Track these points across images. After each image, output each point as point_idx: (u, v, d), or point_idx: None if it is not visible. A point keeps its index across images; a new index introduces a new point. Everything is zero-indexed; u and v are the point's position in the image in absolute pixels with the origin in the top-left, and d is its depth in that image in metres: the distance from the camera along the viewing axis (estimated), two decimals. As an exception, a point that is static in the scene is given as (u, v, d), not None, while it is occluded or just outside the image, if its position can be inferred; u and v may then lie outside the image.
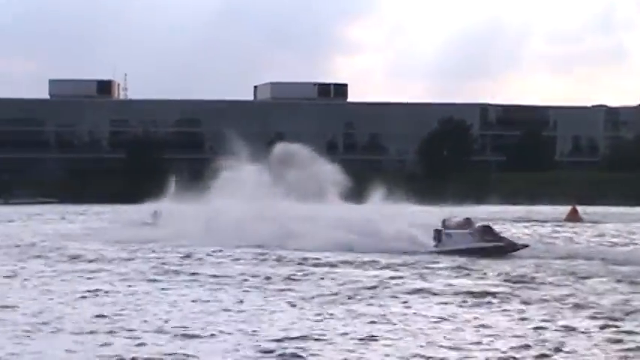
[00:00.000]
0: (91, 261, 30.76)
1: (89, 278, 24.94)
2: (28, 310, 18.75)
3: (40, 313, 18.33)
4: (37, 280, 24.35)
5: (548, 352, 14.94)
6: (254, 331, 16.22)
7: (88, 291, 21.92)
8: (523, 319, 17.84)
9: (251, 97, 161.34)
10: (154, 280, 23.93)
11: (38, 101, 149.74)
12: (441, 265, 28.80)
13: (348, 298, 20.03)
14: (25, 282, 23.65)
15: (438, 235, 34.79)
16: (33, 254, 33.12)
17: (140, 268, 27.32)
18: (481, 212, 71.05)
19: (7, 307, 19.30)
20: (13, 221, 62.75)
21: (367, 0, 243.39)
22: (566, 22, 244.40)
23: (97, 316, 17.89)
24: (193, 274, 25.72)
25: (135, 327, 16.35)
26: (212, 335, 15.67)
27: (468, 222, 35.05)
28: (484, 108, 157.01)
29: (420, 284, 23.35)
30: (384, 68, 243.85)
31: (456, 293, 22.03)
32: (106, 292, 21.80)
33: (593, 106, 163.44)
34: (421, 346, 15.01)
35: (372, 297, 20.56)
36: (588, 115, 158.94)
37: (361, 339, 15.67)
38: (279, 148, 58.86)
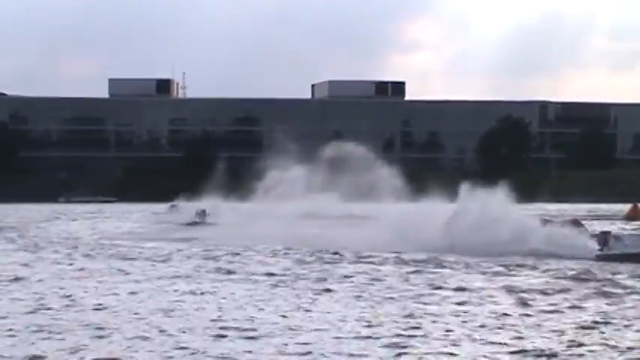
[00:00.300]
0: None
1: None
2: (136, 310, 17.63)
3: (164, 314, 16.68)
4: (120, 281, 23.55)
5: None
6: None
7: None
8: None
9: (309, 96, 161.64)
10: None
11: (98, 100, 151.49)
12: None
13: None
14: (101, 282, 23.02)
15: (603, 237, 30.10)
16: (99, 252, 33.13)
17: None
18: (539, 210, 70.43)
19: (99, 307, 18.43)
20: (76, 220, 63.16)
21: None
22: (627, 18, 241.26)
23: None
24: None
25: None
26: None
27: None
28: (543, 105, 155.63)
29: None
30: (442, 66, 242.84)
31: None
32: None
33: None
34: None
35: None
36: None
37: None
38: (333, 148, 58.36)
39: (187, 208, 60.87)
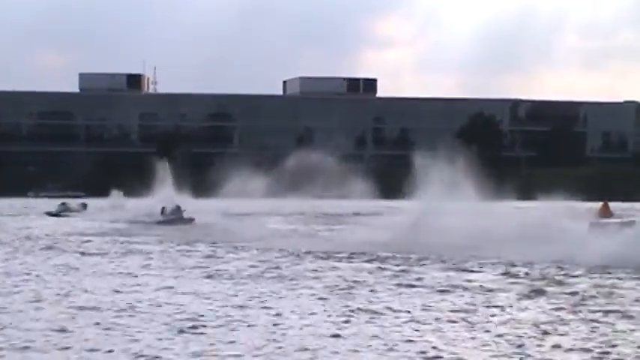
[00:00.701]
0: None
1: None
2: (188, 311, 17.38)
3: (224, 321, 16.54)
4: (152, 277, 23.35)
5: None
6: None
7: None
8: None
9: (280, 92, 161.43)
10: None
11: (68, 95, 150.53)
12: None
13: None
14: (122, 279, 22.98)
15: None
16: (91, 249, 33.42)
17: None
18: (510, 207, 70.59)
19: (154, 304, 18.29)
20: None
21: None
22: (598, 16, 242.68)
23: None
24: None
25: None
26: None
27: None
28: (514, 103, 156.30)
29: None
30: (414, 63, 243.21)
31: None
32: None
33: (625, 102, 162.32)
34: None
35: None
36: (619, 111, 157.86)
37: None
38: (296, 158, 60.70)
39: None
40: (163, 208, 52.17)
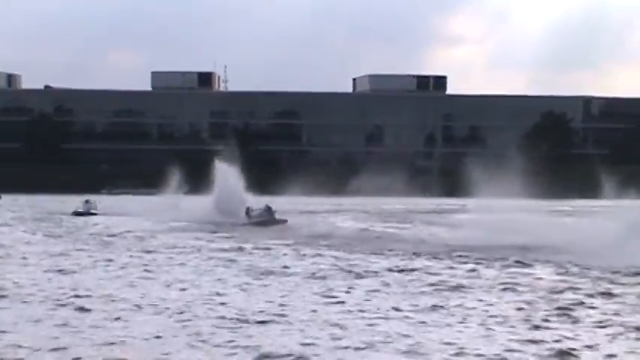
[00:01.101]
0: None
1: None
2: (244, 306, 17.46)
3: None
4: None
5: None
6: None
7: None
8: None
9: (350, 90, 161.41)
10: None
11: (140, 93, 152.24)
12: None
13: None
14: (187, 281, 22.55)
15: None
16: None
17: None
18: (583, 206, 69.87)
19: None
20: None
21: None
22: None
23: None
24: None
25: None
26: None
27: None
28: (587, 101, 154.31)
29: None
30: (484, 60, 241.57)
31: None
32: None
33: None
34: None
35: None
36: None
37: None
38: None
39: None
40: (248, 208, 48.55)
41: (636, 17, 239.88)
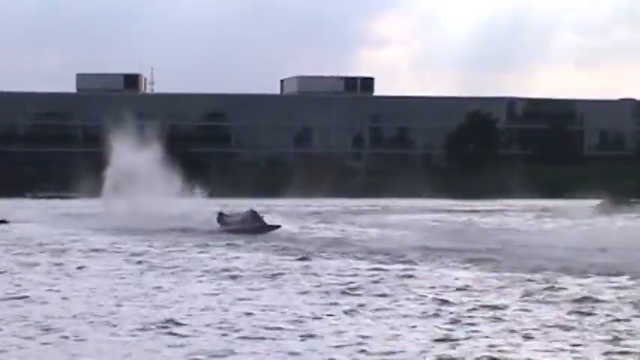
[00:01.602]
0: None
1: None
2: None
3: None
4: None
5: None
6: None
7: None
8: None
9: (278, 91, 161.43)
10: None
11: (65, 95, 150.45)
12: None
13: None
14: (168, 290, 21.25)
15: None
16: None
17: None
18: (510, 205, 70.80)
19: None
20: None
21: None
22: (593, 15, 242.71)
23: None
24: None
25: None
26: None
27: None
28: (511, 101, 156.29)
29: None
30: (410, 61, 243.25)
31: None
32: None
33: (621, 100, 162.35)
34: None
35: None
36: (615, 109, 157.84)
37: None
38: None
39: None
40: (221, 214, 42.63)
41: (558, 19, 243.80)
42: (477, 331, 15.32)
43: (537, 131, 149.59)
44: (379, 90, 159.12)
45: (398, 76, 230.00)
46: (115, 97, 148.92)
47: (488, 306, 17.88)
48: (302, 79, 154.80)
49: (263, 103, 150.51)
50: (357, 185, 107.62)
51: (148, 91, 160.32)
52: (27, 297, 19.51)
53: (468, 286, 21.15)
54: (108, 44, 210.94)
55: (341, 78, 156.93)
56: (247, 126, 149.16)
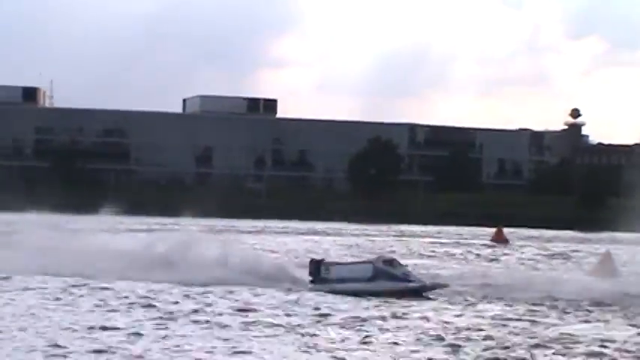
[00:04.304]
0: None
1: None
2: None
3: None
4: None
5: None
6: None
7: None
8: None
9: (180, 110, 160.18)
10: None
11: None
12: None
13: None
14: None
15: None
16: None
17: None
18: (409, 232, 71.33)
19: None
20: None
21: (292, 15, 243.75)
22: (492, 46, 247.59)
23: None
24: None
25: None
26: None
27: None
28: (412, 128, 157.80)
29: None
30: (314, 84, 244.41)
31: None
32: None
33: (519, 130, 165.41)
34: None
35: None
36: (514, 139, 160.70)
37: None
38: None
39: None
40: (318, 262, 28.57)
41: (459, 49, 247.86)
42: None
43: (437, 158, 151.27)
44: (282, 112, 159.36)
45: (301, 98, 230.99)
46: (13, 110, 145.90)
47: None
48: (204, 99, 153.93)
49: (165, 121, 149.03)
50: (256, 207, 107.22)
51: (47, 105, 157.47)
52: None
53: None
54: (6, 56, 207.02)
55: (244, 99, 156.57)
56: (148, 143, 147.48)
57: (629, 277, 32.93)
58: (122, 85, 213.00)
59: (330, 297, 25.21)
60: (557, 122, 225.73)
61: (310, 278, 27.62)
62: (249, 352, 16.47)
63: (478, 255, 47.90)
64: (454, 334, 19.01)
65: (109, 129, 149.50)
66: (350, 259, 35.54)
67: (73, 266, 29.67)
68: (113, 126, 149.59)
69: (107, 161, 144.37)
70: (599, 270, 34.10)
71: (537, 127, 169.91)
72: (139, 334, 17.95)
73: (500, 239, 60.96)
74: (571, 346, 17.74)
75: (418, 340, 18.29)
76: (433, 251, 50.36)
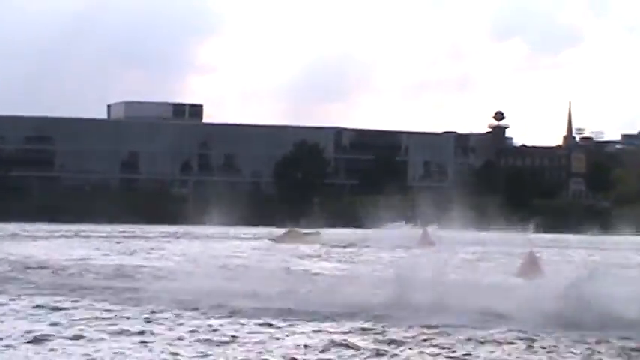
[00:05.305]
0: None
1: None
2: None
3: None
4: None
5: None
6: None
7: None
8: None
9: (105, 116, 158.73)
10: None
11: None
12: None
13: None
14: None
15: None
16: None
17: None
18: (328, 235, 71.59)
19: None
20: None
21: (216, 19, 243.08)
22: (417, 49, 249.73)
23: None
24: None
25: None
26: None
27: None
28: (338, 132, 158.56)
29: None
30: (239, 89, 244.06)
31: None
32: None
33: (444, 133, 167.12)
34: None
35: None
36: (439, 141, 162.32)
37: None
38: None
39: None
40: None
41: (384, 52, 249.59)
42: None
43: (363, 161, 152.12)
44: (208, 117, 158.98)
45: (227, 103, 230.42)
46: None
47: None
48: (129, 105, 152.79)
49: (89, 127, 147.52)
50: (181, 212, 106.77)
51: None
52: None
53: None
54: None
55: (169, 104, 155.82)
56: (72, 150, 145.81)
57: (554, 276, 33.35)
58: (44, 91, 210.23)
59: None
60: (481, 125, 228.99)
61: None
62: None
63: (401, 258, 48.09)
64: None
65: (32, 136, 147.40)
66: None
67: None
68: (36, 133, 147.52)
69: (30, 168, 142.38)
70: (524, 271, 34.58)
71: (462, 129, 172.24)
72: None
73: (425, 242, 61.43)
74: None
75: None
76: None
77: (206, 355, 15.54)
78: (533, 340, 17.45)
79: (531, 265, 35.28)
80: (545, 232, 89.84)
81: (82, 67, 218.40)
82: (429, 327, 18.67)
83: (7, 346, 16.12)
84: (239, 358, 15.41)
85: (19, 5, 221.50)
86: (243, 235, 75.53)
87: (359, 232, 79.15)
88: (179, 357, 15.38)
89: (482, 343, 17.19)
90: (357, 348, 16.38)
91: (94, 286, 26.85)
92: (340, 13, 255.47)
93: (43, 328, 18.15)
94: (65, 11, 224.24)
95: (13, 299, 23.19)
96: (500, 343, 17.15)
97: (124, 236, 69.56)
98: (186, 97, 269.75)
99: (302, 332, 18.14)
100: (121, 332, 17.71)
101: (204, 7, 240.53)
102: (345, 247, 59.61)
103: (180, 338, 17.09)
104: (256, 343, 16.81)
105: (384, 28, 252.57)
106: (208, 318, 19.94)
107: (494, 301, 20.57)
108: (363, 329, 18.56)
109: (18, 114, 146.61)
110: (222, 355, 15.55)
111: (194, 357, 15.41)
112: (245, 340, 17.03)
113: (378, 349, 16.33)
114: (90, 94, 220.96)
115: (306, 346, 16.49)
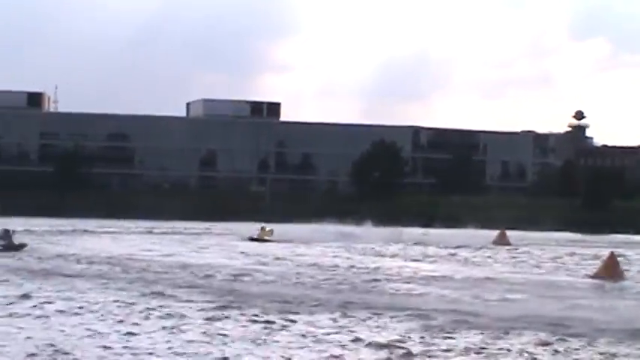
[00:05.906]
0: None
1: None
2: None
3: None
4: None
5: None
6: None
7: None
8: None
9: (184, 114, 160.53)
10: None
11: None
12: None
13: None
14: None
15: None
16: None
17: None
18: (410, 234, 71.38)
19: None
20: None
21: (294, 18, 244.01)
22: (496, 48, 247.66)
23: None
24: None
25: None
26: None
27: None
28: (416, 131, 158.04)
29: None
30: (316, 87, 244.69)
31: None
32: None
33: (522, 132, 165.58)
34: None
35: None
36: (517, 141, 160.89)
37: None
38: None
39: None
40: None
41: (462, 51, 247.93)
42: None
43: (441, 161, 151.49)
44: (285, 115, 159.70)
45: (304, 101, 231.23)
46: (18, 115, 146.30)
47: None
48: (208, 103, 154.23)
49: (168, 125, 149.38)
50: (260, 210, 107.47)
51: (52, 109, 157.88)
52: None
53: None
54: (11, 61, 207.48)
55: (247, 102, 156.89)
56: (151, 148, 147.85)
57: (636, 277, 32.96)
58: (125, 90, 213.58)
59: None
60: (561, 124, 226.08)
61: None
62: None
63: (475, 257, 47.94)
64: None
65: (113, 133, 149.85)
66: None
67: None
68: (117, 130, 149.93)
69: (111, 166, 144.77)
70: (604, 272, 34.19)
71: (541, 129, 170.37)
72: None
73: (503, 241, 61.08)
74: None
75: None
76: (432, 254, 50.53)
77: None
78: None
79: (612, 267, 34.80)
80: (625, 233, 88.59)
81: (162, 65, 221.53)
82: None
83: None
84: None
85: (101, 4, 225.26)
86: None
87: (432, 231, 78.73)
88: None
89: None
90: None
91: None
92: (419, 11, 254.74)
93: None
94: (146, 10, 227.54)
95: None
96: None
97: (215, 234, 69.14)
98: (264, 96, 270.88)
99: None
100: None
101: (282, 7, 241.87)
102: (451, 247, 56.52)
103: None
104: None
105: (463, 26, 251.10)
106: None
107: None
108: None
109: (100, 111, 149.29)
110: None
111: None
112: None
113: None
114: (169, 93, 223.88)
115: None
